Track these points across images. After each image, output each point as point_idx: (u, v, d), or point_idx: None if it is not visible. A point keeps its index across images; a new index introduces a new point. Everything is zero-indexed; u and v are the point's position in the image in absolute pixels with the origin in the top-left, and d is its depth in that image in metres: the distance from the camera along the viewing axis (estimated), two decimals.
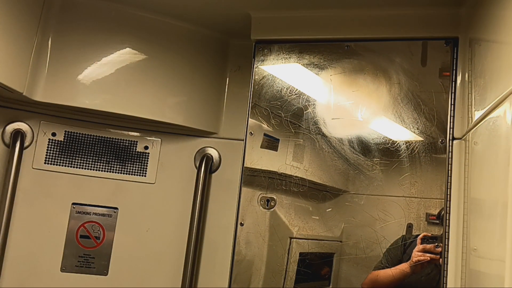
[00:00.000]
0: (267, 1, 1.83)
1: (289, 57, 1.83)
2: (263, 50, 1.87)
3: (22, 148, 2.00)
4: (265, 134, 1.83)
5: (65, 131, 2.10)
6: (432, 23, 1.67)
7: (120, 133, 2.16)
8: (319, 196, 1.72)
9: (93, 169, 2.11)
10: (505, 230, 1.04)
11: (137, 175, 2.15)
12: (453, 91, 1.59)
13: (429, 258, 1.52)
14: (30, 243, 2.03)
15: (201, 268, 2.13)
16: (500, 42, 1.23)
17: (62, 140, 2.09)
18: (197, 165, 2.16)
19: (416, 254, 1.54)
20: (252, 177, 1.81)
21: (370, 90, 1.71)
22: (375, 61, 1.71)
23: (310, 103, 1.78)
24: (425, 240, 1.54)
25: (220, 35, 2.18)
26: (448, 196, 1.53)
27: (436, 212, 1.55)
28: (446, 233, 1.51)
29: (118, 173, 2.13)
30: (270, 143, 1.83)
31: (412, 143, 1.62)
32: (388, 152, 1.64)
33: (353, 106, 1.72)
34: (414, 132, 1.62)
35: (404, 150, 1.62)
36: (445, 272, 1.50)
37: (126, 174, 2.14)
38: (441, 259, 1.52)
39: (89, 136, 2.12)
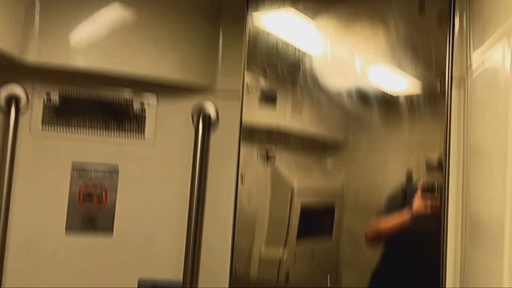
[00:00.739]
0: None
1: (283, 5, 1.78)
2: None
3: (17, 112, 1.98)
4: (262, 90, 1.81)
5: (60, 94, 2.07)
6: None
7: (115, 93, 2.13)
8: (319, 148, 1.72)
9: (91, 131, 2.10)
10: (505, 175, 1.05)
11: (135, 134, 2.14)
12: (451, 35, 1.57)
13: (429, 209, 1.54)
14: (33, 206, 2.04)
15: (204, 224, 2.16)
16: None
17: (57, 102, 2.07)
18: (195, 122, 2.15)
19: (417, 203, 1.55)
20: (251, 133, 1.81)
21: (367, 37, 1.68)
22: (371, 7, 1.67)
23: (306, 55, 1.75)
24: (425, 188, 1.55)
25: None
26: (448, 141, 1.53)
27: (435, 159, 1.55)
28: (446, 180, 1.52)
29: (116, 133, 2.13)
30: (268, 99, 1.81)
31: (410, 90, 1.61)
32: (386, 100, 1.63)
33: (350, 55, 1.70)
34: (412, 78, 1.61)
35: (403, 97, 1.61)
36: (445, 218, 1.52)
37: (124, 134, 2.13)
38: (441, 207, 1.53)
39: (84, 98, 2.10)
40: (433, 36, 1.58)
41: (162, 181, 2.16)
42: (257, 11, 1.81)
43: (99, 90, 2.12)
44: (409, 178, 1.59)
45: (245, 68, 1.83)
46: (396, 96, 1.62)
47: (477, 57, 1.37)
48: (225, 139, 2.15)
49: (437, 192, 1.54)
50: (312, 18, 1.75)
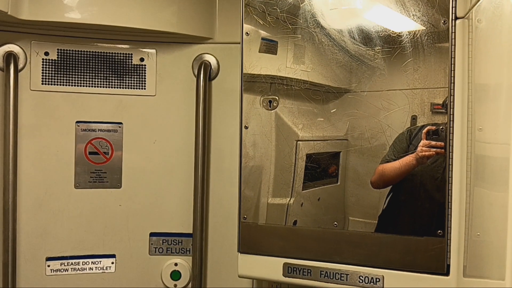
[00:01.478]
0: None
1: None
2: None
3: (16, 71, 1.97)
4: (262, 38, 1.76)
5: (58, 49, 2.05)
6: None
7: (113, 46, 2.10)
8: (322, 91, 1.69)
9: (92, 86, 2.09)
10: (510, 112, 1.02)
11: (136, 88, 2.13)
12: None
13: (434, 153, 1.52)
14: (41, 165, 2.07)
15: (211, 174, 2.17)
16: None
17: (56, 58, 2.05)
18: (196, 73, 2.13)
19: (422, 149, 1.53)
20: (253, 83, 1.78)
21: None
22: None
23: None
24: (429, 130, 1.53)
25: None
26: (452, 79, 1.49)
27: (440, 101, 1.52)
28: (451, 120, 1.49)
29: (117, 88, 2.11)
30: (269, 46, 1.77)
31: (413, 26, 1.55)
32: (389, 39, 1.58)
33: None
34: (415, 15, 1.55)
35: (406, 35, 1.55)
36: (450, 160, 1.50)
37: (125, 88, 2.12)
38: (446, 147, 1.51)
39: (83, 53, 2.08)
40: None
41: (166, 134, 2.17)
42: None
43: (97, 44, 2.09)
44: (413, 121, 1.56)
45: (244, 17, 1.78)
46: (399, 35, 1.56)
47: None
48: (226, 88, 2.13)
49: (442, 133, 1.51)
50: None
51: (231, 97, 2.06)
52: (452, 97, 1.49)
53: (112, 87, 2.11)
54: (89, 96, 2.09)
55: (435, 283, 1.51)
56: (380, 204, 1.63)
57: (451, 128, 1.49)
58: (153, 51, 2.13)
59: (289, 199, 1.75)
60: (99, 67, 2.09)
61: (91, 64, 2.08)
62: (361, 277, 1.62)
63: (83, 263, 2.11)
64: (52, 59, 2.05)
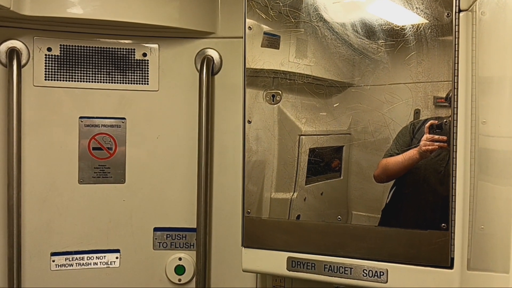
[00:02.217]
0: None
1: None
2: None
3: (19, 66, 1.97)
4: (265, 32, 1.76)
5: (60, 45, 2.05)
6: None
7: (116, 42, 2.10)
8: (325, 85, 1.69)
9: (95, 81, 2.09)
10: None
11: (139, 83, 2.13)
12: None
13: (437, 147, 1.52)
14: (45, 161, 2.07)
15: (214, 169, 2.17)
16: None
17: (59, 54, 2.05)
18: (199, 67, 2.12)
19: (425, 143, 1.53)
20: (255, 77, 1.77)
21: None
22: None
23: None
24: (432, 128, 1.52)
25: None
26: (456, 72, 1.48)
27: (444, 94, 1.51)
28: (455, 114, 1.49)
29: (120, 83, 2.11)
30: (271, 41, 1.76)
31: (417, 19, 1.54)
32: (392, 32, 1.57)
33: None
34: (418, 8, 1.54)
35: (409, 28, 1.55)
36: (454, 153, 1.49)
37: (128, 83, 2.12)
38: (449, 140, 1.51)
39: (85, 48, 2.08)
40: None
41: (169, 129, 2.17)
42: None
43: (99, 40, 2.09)
44: (417, 113, 1.56)
45: (246, 11, 1.78)
46: (402, 28, 1.56)
47: None
48: (229, 83, 2.13)
49: (446, 127, 1.51)
50: None
51: (234, 92, 2.06)
52: (455, 90, 1.48)
53: (115, 83, 2.11)
54: (92, 92, 2.10)
55: (439, 276, 1.51)
56: (384, 198, 1.63)
57: (454, 122, 1.49)
58: (156, 46, 2.13)
59: (292, 193, 1.75)
60: (102, 62, 2.09)
61: (94, 59, 2.08)
62: (365, 271, 1.62)
63: (88, 258, 2.12)
64: (55, 55, 2.05)
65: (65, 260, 2.10)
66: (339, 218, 1.69)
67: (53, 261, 2.09)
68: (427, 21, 1.53)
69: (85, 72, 2.08)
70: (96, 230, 2.13)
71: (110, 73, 2.10)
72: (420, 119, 1.55)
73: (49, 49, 2.04)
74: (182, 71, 2.15)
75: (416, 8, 1.54)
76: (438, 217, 1.53)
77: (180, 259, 2.19)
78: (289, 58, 1.74)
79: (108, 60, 2.09)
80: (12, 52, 1.96)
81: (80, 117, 2.09)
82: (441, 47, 1.51)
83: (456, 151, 1.49)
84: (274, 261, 1.75)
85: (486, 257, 1.26)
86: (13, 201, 1.96)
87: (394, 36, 1.57)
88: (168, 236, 2.18)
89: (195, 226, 2.13)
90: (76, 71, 2.07)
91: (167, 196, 2.18)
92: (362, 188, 1.66)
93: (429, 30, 1.53)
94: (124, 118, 2.13)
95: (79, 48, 2.07)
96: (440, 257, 1.52)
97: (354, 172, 1.67)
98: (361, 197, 1.67)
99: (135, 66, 2.12)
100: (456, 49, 1.48)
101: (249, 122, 1.80)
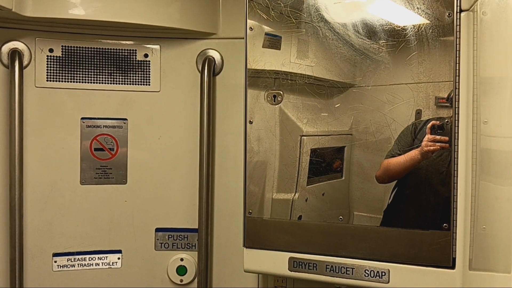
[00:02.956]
0: None
1: None
2: None
3: (21, 68, 1.97)
4: (266, 33, 1.76)
5: (62, 46, 2.06)
6: None
7: (118, 43, 2.10)
8: (326, 86, 1.69)
9: (96, 82, 2.10)
10: None
11: (140, 84, 2.13)
12: None
13: (439, 147, 1.52)
14: (46, 161, 2.08)
15: (215, 169, 2.17)
16: None
17: (61, 55, 2.05)
18: (200, 68, 2.13)
19: (426, 144, 1.53)
20: (257, 78, 1.78)
21: None
22: None
23: None
24: (434, 128, 1.52)
25: None
26: (457, 72, 1.48)
27: (445, 94, 1.51)
28: (456, 114, 1.49)
29: (122, 84, 2.12)
30: (273, 41, 1.76)
31: (418, 19, 1.54)
32: (394, 32, 1.57)
33: None
34: (420, 8, 1.54)
35: (411, 28, 1.55)
36: (456, 153, 1.49)
37: (130, 84, 2.12)
38: (451, 140, 1.51)
39: (87, 49, 2.08)
40: None
41: (171, 130, 2.17)
42: None
43: (101, 41, 2.09)
44: (418, 113, 1.55)
45: (248, 12, 1.78)
46: (403, 28, 1.56)
47: None
48: (230, 83, 2.13)
49: (447, 127, 1.51)
50: None
51: (235, 92, 2.06)
52: (457, 90, 1.48)
53: (116, 83, 2.11)
54: (94, 93, 2.10)
55: (441, 277, 1.51)
56: (385, 198, 1.63)
57: (456, 122, 1.49)
58: (157, 47, 2.14)
59: (293, 194, 1.75)
60: (104, 63, 2.10)
61: (95, 60, 2.09)
62: (366, 271, 1.62)
63: (90, 259, 2.12)
64: (56, 56, 2.05)
65: (67, 260, 2.10)
66: (340, 218, 1.69)
67: (55, 261, 2.09)
68: (428, 21, 1.53)
69: (86, 73, 2.08)
70: (98, 231, 2.13)
71: (112, 74, 2.11)
72: (422, 119, 1.55)
73: (51, 50, 2.04)
74: (183, 72, 2.15)
75: (417, 8, 1.54)
76: (440, 217, 1.53)
77: (181, 259, 2.19)
78: (290, 59, 1.74)
79: (109, 61, 2.10)
80: (14, 53, 1.97)
81: (82, 118, 2.10)
82: (442, 47, 1.51)
83: (457, 152, 1.49)
84: (276, 262, 1.75)
85: (488, 257, 1.26)
86: (15, 201, 1.96)
87: (395, 36, 1.57)
88: (170, 236, 2.18)
89: (196, 227, 2.13)
90: (78, 72, 2.08)
91: (169, 197, 2.18)
92: (364, 189, 1.66)
93: (430, 30, 1.53)
94: (125, 119, 2.14)
95: (81, 49, 2.07)
96: (442, 257, 1.51)
97: (355, 172, 1.67)
98: (363, 197, 1.67)
99: (136, 67, 2.12)
100: (458, 49, 1.48)
101: (251, 122, 1.80)
